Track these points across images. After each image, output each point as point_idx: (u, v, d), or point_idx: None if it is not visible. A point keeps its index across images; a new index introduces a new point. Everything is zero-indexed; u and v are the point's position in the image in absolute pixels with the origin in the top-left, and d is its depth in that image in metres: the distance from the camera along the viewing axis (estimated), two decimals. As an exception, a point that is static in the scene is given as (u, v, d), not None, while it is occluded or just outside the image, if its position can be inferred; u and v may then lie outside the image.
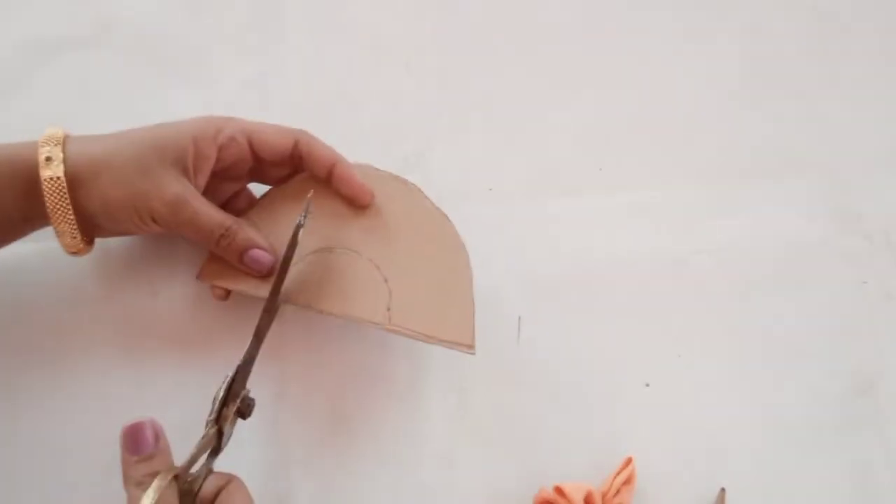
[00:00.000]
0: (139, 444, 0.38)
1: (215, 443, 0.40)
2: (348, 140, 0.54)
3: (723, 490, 0.47)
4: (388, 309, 0.45)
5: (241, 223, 0.46)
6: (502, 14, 0.58)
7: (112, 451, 0.38)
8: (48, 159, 0.42)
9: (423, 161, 0.54)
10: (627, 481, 0.46)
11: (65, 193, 0.42)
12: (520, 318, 0.51)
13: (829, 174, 0.54)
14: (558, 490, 0.45)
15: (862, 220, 0.53)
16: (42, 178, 0.42)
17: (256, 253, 0.46)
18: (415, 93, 0.56)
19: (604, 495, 0.45)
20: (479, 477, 0.48)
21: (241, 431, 0.44)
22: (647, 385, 0.50)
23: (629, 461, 0.47)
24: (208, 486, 0.40)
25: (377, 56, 0.57)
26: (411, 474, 0.48)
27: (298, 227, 0.45)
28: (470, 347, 0.45)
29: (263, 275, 0.46)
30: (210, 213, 0.45)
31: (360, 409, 0.49)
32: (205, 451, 0.40)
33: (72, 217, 0.43)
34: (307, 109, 0.55)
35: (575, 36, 0.58)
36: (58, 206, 0.42)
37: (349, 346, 0.50)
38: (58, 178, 0.42)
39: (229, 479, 0.41)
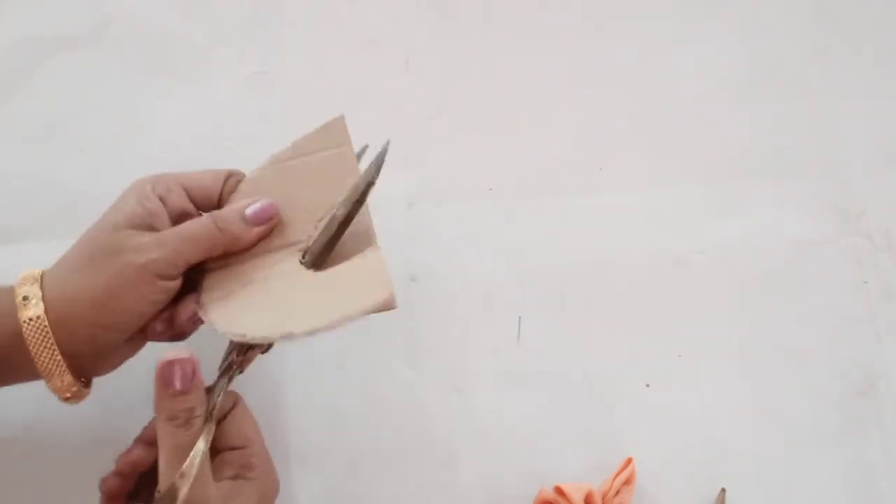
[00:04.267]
0: (175, 379, 0.37)
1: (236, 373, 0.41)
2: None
3: (723, 490, 0.47)
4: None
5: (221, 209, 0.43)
6: (502, 13, 0.58)
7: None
8: (25, 299, 0.39)
9: (423, 161, 0.54)
10: (627, 481, 0.46)
11: (48, 333, 0.38)
12: (520, 318, 0.51)
13: (829, 174, 0.54)
14: (558, 490, 0.45)
15: (862, 220, 0.53)
16: (21, 321, 0.38)
17: (254, 207, 0.42)
18: (415, 92, 0.56)
19: (604, 495, 0.45)
20: (479, 477, 0.48)
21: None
22: (648, 385, 0.50)
23: (629, 461, 0.47)
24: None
25: (377, 55, 0.57)
26: (411, 474, 0.48)
27: (370, 184, 0.41)
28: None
29: (272, 224, 0.43)
30: (191, 223, 0.41)
31: (360, 409, 0.49)
32: (227, 385, 0.40)
33: (59, 358, 0.39)
34: (306, 109, 0.55)
35: (575, 35, 0.57)
36: (42, 349, 0.39)
37: (349, 345, 0.50)
38: (38, 317, 0.38)
39: (235, 402, 0.42)
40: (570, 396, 0.49)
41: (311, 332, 0.39)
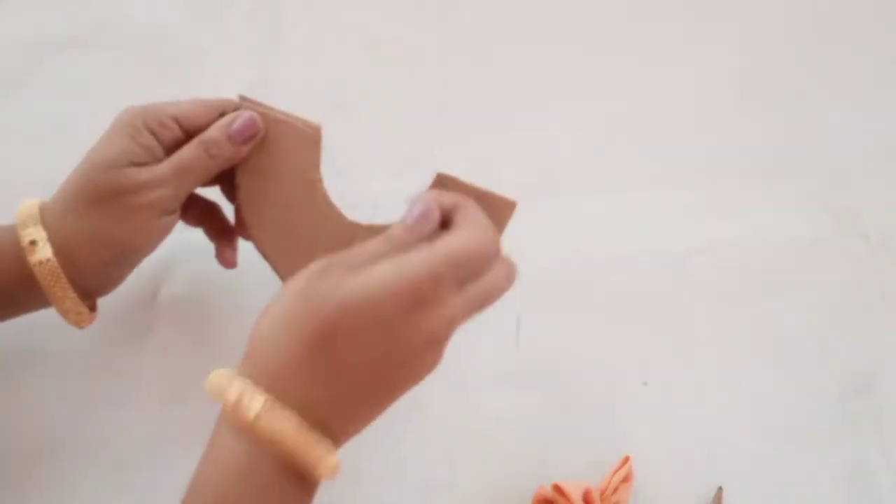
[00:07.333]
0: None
1: None
2: (348, 141, 0.54)
3: (720, 489, 0.48)
4: None
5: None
6: (502, 14, 0.58)
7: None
8: (33, 243, 0.39)
9: (423, 161, 0.54)
10: (625, 479, 0.46)
11: (60, 274, 0.39)
12: (520, 317, 0.51)
13: (827, 174, 0.54)
14: (557, 488, 0.45)
15: (860, 220, 0.53)
16: (32, 265, 0.39)
17: (237, 125, 0.41)
18: (415, 93, 0.56)
19: (602, 493, 0.46)
20: (478, 476, 0.48)
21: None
22: (646, 384, 0.50)
23: (627, 459, 0.47)
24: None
25: (377, 56, 0.57)
26: (411, 474, 0.48)
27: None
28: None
29: (257, 139, 0.42)
30: (182, 153, 0.41)
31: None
32: None
33: (72, 294, 0.40)
34: (306, 110, 0.55)
35: (575, 36, 0.58)
36: (55, 288, 0.40)
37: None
38: (48, 259, 0.39)
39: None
40: (568, 395, 0.50)
41: None
